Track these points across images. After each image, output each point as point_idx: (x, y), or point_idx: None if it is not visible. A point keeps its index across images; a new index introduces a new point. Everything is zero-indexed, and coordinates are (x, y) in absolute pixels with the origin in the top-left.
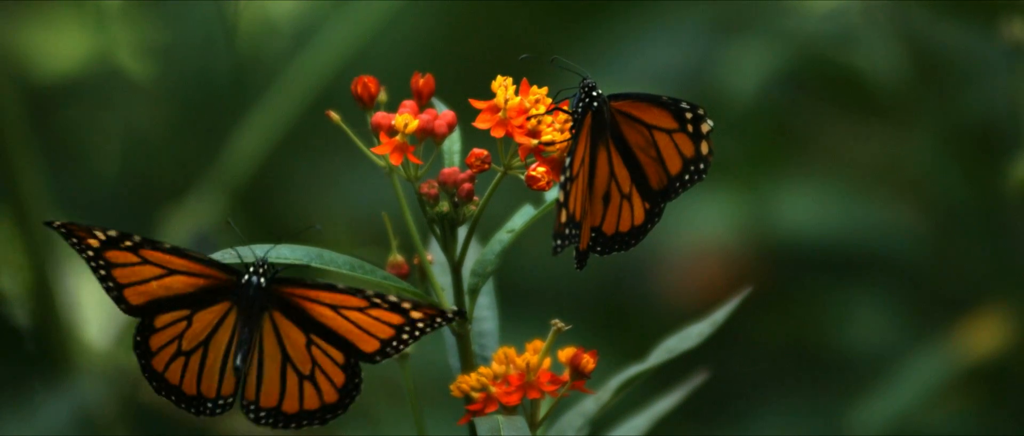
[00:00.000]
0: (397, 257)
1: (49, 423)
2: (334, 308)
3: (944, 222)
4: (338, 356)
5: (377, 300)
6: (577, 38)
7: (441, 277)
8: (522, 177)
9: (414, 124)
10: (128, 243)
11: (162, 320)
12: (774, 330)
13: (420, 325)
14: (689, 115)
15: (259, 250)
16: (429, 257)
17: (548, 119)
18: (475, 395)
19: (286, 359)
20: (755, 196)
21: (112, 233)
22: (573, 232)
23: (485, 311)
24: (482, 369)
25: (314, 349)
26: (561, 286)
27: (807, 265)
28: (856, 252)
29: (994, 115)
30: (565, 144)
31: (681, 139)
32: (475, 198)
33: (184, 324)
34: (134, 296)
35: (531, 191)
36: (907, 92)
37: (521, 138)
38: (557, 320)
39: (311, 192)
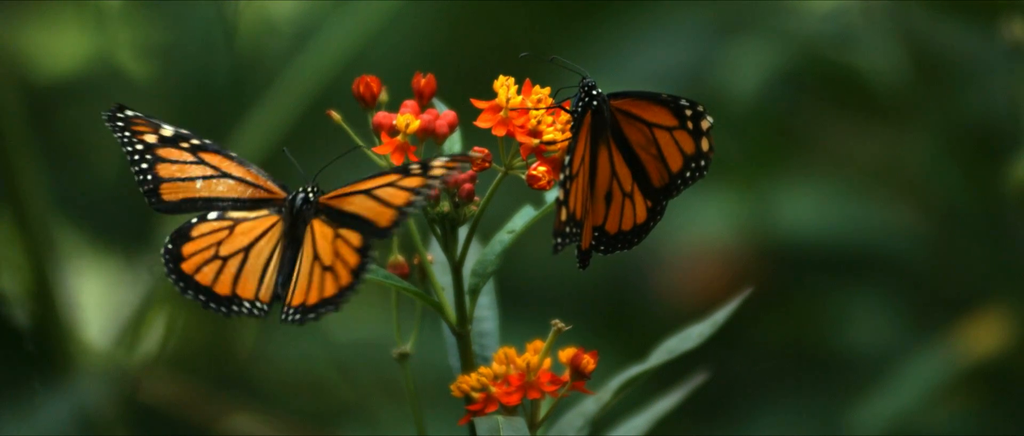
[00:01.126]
0: (398, 257)
1: (49, 423)
2: (367, 192)
3: (944, 222)
4: (355, 240)
5: (413, 168)
6: (578, 38)
7: (442, 277)
8: (523, 177)
9: (416, 124)
10: (189, 143)
11: (200, 229)
12: (774, 330)
13: (433, 180)
14: (689, 112)
15: None
16: (430, 257)
17: (549, 119)
18: (475, 395)
19: (315, 258)
20: (755, 196)
21: (183, 131)
22: (574, 231)
23: (486, 311)
24: (482, 369)
25: (338, 241)
26: (562, 286)
27: (807, 265)
28: (856, 252)
29: (994, 115)
30: (566, 144)
31: (681, 136)
32: (476, 198)
33: (225, 233)
34: (169, 193)
35: (532, 192)
36: (907, 92)
37: (523, 137)
38: (557, 320)
39: None
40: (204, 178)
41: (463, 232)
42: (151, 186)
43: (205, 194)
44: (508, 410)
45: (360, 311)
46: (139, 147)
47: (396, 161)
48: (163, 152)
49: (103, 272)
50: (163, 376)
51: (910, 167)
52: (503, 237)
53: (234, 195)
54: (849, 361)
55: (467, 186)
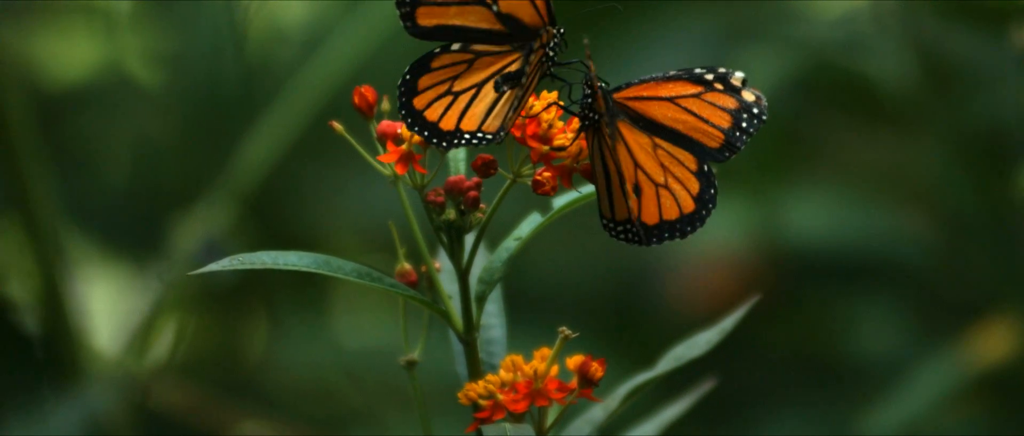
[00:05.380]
0: (405, 265)
1: (59, 430)
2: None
3: (953, 229)
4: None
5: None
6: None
7: (448, 285)
8: (530, 183)
9: None
10: None
11: (441, 61)
12: (782, 337)
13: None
14: (710, 76)
15: (267, 256)
16: (436, 265)
17: (560, 124)
18: (483, 403)
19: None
20: (764, 203)
21: None
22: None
23: (492, 318)
24: (490, 377)
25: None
26: (569, 293)
27: (816, 272)
28: (865, 259)
29: (1003, 122)
30: (575, 150)
31: (715, 96)
32: (482, 205)
33: (463, 67)
34: (425, 17)
35: (539, 199)
36: (916, 99)
37: (533, 143)
38: (565, 327)
39: (319, 199)
40: (459, 3)
41: (470, 239)
42: (408, 8)
43: (458, 22)
44: (515, 417)
45: (368, 318)
46: None
47: (400, 170)
48: None
49: (113, 279)
50: (173, 382)
51: (919, 174)
52: (510, 244)
53: (485, 25)
54: (858, 368)
55: (472, 193)
